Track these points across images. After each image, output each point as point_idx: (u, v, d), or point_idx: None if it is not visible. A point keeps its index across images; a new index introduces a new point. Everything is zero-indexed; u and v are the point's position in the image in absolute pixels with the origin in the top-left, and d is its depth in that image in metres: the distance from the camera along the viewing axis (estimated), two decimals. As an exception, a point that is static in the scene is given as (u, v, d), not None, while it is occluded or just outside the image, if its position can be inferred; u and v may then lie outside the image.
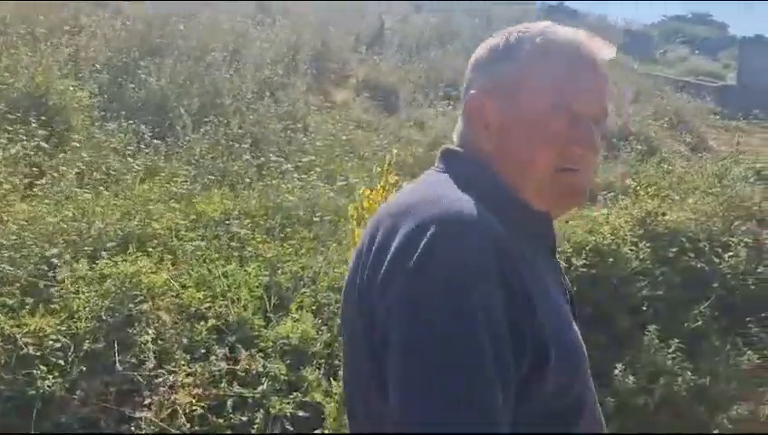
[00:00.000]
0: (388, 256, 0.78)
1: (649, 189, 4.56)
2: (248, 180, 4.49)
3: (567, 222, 4.00)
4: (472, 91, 0.94)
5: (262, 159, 5.01)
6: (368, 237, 0.85)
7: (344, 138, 5.85)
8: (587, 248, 3.79)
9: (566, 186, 0.90)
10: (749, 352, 3.72)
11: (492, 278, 0.74)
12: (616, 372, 3.31)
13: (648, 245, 4.00)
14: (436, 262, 0.74)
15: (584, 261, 3.74)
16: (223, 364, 2.86)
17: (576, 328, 0.92)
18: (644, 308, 3.71)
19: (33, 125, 4.25)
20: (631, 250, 3.91)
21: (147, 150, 4.79)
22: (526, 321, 0.77)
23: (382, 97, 7.90)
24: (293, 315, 3.29)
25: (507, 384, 0.74)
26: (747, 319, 4.01)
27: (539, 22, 0.96)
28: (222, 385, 2.78)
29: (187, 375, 2.71)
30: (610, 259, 3.79)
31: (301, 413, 2.80)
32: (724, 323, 3.98)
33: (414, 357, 0.73)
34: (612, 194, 4.67)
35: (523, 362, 0.76)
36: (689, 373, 3.42)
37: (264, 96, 6.23)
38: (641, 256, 3.92)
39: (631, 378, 3.28)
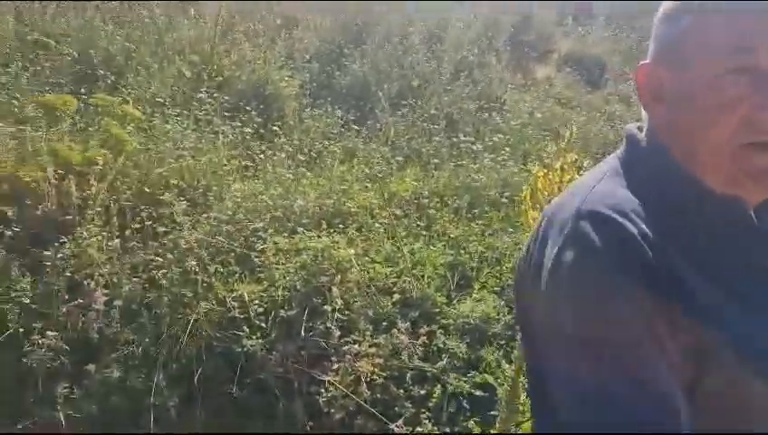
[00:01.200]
0: (545, 253, 0.79)
1: None
2: (437, 161, 4.57)
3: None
4: (641, 62, 0.86)
5: (454, 139, 5.06)
6: (536, 227, 0.86)
7: (539, 115, 5.66)
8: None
9: (755, 165, 0.76)
10: None
11: (623, 275, 0.72)
12: None
13: None
14: (566, 263, 0.75)
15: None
16: (404, 338, 2.97)
17: None
18: None
19: (253, 113, 4.76)
20: None
21: (348, 134, 5.12)
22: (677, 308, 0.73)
23: (587, 71, 7.49)
24: (475, 295, 3.30)
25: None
26: None
27: None
28: (403, 358, 2.90)
29: (371, 346, 2.86)
30: None
31: (478, 393, 2.82)
32: None
33: (577, 364, 0.73)
34: None
35: (683, 351, 0.73)
36: None
37: (459, 77, 6.26)
38: None
39: None
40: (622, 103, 6.54)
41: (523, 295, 0.85)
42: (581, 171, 2.27)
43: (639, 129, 0.89)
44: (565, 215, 0.79)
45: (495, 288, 3.42)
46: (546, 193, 2.21)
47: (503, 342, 3.11)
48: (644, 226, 0.75)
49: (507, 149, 4.68)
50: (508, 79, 6.76)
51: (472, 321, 3.14)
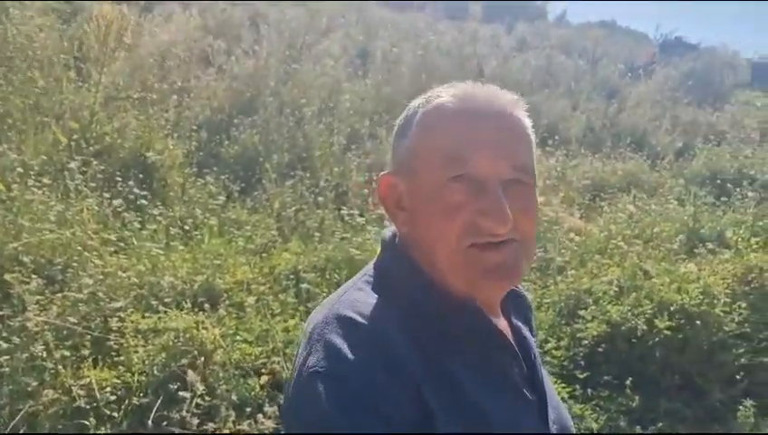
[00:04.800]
0: (297, 363, 0.82)
1: (752, 241, 4.09)
2: (318, 234, 4.56)
3: (651, 278, 3.67)
4: (382, 172, 0.91)
5: (341, 211, 5.08)
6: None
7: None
8: (671, 309, 3.44)
9: (483, 263, 0.80)
10: None
11: (368, 376, 0.73)
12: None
13: (744, 305, 3.57)
14: (323, 359, 0.76)
15: (669, 323, 3.39)
16: (270, 423, 2.85)
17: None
18: (738, 377, 3.28)
19: (131, 183, 4.60)
20: (725, 311, 3.50)
21: (233, 205, 5.04)
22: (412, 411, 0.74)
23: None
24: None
25: None
26: None
27: (444, 86, 0.89)
28: (267, 445, 2.77)
29: (232, 434, 2.72)
30: (698, 321, 3.41)
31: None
32: None
33: None
34: (709, 247, 4.23)
35: None
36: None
37: (350, 148, 6.37)
38: (738, 319, 3.50)
39: (719, 460, 2.90)
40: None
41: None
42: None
43: (395, 234, 0.91)
44: (315, 323, 0.81)
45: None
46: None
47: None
48: (394, 328, 0.77)
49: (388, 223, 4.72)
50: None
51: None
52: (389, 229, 0.93)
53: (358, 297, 0.83)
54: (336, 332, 0.77)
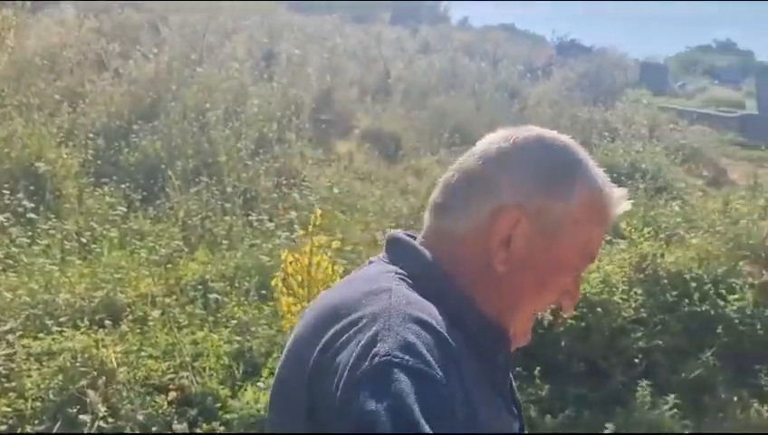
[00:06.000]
0: (352, 355, 0.72)
1: (645, 231, 4.34)
2: (226, 242, 4.43)
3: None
4: (515, 202, 0.83)
5: (251, 217, 4.97)
6: (312, 332, 0.80)
7: (336, 191, 5.78)
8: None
9: (530, 328, 0.90)
10: (757, 404, 3.43)
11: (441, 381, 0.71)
12: (606, 432, 3.08)
13: (640, 292, 3.78)
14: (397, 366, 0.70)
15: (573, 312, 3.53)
16: (180, 440, 2.73)
17: None
18: (636, 361, 3.47)
19: (19, 195, 4.29)
20: (623, 299, 3.69)
21: (135, 215, 4.81)
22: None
23: (385, 146, 7.88)
24: (259, 384, 3.16)
25: None
26: (756, 367, 3.74)
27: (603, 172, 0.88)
28: (176, 464, 2.65)
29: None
30: (599, 309, 3.57)
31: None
32: (731, 372, 3.71)
33: None
34: (607, 238, 4.46)
35: None
36: (688, 432, 3.15)
37: (258, 153, 6.24)
38: (634, 305, 3.70)
39: (622, 440, 3.05)
40: (415, 176, 6.92)
41: (298, 386, 0.78)
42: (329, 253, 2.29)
43: (410, 236, 0.90)
44: (373, 310, 0.75)
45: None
46: (300, 278, 2.19)
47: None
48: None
49: (297, 225, 4.66)
50: (309, 154, 6.87)
51: (256, 412, 2.98)
52: (398, 231, 0.91)
53: (413, 297, 0.78)
54: (410, 329, 0.73)
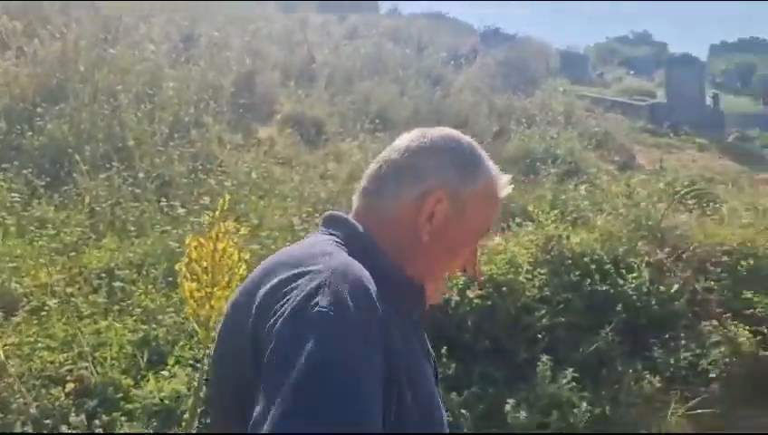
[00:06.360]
0: (296, 299, 0.85)
1: (552, 214, 4.50)
2: (134, 229, 4.31)
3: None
4: (438, 186, 1.02)
5: (162, 203, 4.84)
6: (259, 280, 0.94)
7: (254, 176, 5.71)
8: (482, 279, 3.70)
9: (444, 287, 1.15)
10: (649, 375, 3.65)
11: (376, 328, 0.86)
12: (507, 407, 3.19)
13: (544, 272, 3.93)
14: (341, 307, 0.84)
15: (479, 292, 3.64)
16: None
17: (438, 392, 1.05)
18: (539, 337, 3.62)
19: None
20: (528, 278, 3.83)
21: (39, 201, 4.60)
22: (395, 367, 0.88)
23: (307, 131, 7.82)
24: (167, 372, 3.10)
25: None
26: (651, 341, 3.97)
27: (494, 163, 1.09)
28: (73, 456, 2.57)
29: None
30: (504, 289, 3.69)
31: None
32: (628, 346, 3.92)
33: (314, 379, 0.79)
34: (517, 221, 4.61)
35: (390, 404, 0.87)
36: (585, 403, 3.31)
37: (174, 137, 6.07)
38: (538, 284, 3.84)
39: (523, 413, 3.17)
40: (336, 161, 6.90)
41: (241, 332, 0.91)
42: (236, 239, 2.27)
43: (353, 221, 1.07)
44: (317, 268, 0.89)
45: (190, 361, 3.25)
46: (204, 263, 2.15)
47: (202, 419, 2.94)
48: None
49: (212, 211, 4.58)
50: (228, 139, 6.74)
51: (159, 401, 2.92)
52: (334, 211, 1.09)
53: (350, 260, 0.92)
54: (346, 286, 0.86)
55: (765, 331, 3.94)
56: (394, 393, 0.87)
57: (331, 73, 9.94)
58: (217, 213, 2.21)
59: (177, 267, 2.21)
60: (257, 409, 0.80)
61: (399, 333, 0.93)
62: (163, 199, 4.94)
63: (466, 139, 1.08)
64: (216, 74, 7.84)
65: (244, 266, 2.19)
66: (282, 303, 0.86)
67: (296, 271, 0.89)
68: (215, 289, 2.17)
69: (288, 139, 7.51)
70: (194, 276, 2.20)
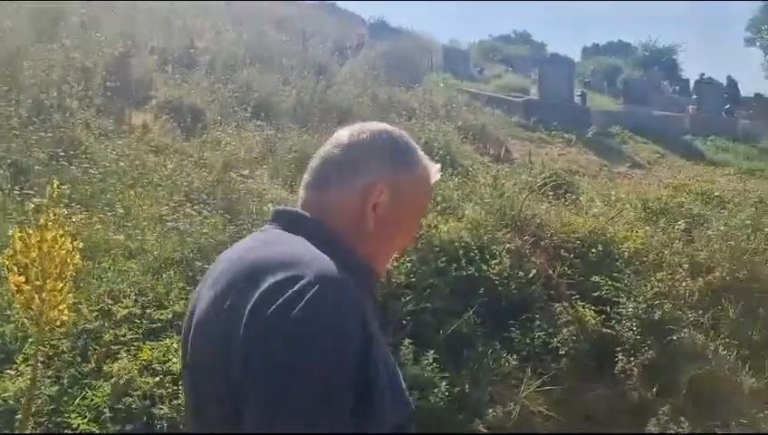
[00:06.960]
0: (273, 306, 0.91)
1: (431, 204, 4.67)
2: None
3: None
4: (378, 179, 1.10)
5: (15, 191, 4.52)
6: (243, 284, 0.97)
7: (123, 164, 5.47)
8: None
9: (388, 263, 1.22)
10: (506, 355, 3.89)
11: (358, 332, 0.93)
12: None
13: (413, 259, 4.08)
14: (320, 311, 0.91)
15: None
16: None
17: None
18: (404, 322, 3.75)
19: None
20: (394, 266, 3.96)
21: None
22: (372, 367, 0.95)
23: (185, 119, 7.57)
24: (9, 371, 2.93)
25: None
26: (510, 322, 4.23)
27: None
28: None
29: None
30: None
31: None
32: (489, 327, 4.15)
33: (289, 380, 0.87)
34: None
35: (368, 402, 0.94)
36: (446, 383, 3.48)
37: (34, 121, 5.68)
38: (404, 271, 3.98)
39: (386, 396, 3.28)
40: (213, 150, 6.73)
41: (211, 337, 0.97)
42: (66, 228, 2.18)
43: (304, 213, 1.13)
44: (300, 273, 0.94)
45: (42, 360, 3.08)
46: (33, 254, 2.06)
47: (43, 419, 2.80)
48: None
49: (67, 201, 4.36)
50: (96, 125, 6.38)
51: (3, 402, 2.76)
52: (279, 206, 1.16)
53: (326, 259, 0.97)
54: (330, 289, 0.93)
55: (608, 310, 4.31)
56: (373, 378, 0.95)
57: (212, 60, 9.67)
58: (45, 200, 2.12)
59: (2, 260, 2.09)
60: (247, 410, 0.88)
61: (374, 323, 1.01)
62: (19, 188, 4.63)
63: (399, 132, 1.18)
64: (79, 55, 7.39)
65: (78, 256, 2.12)
66: (273, 308, 0.91)
67: (286, 275, 0.94)
68: (46, 281, 2.08)
69: (163, 126, 7.23)
70: (20, 269, 2.09)
